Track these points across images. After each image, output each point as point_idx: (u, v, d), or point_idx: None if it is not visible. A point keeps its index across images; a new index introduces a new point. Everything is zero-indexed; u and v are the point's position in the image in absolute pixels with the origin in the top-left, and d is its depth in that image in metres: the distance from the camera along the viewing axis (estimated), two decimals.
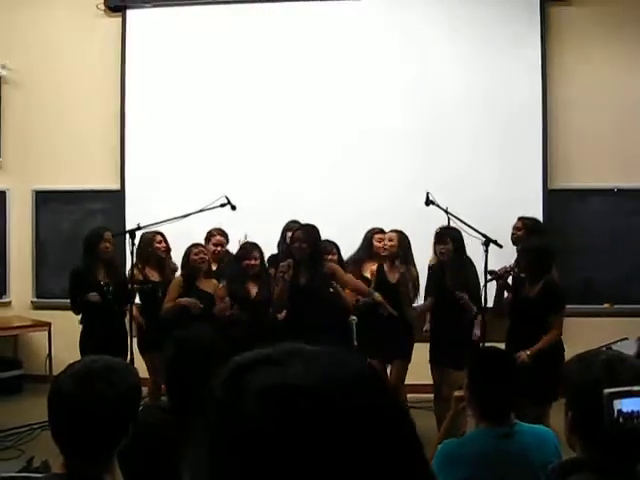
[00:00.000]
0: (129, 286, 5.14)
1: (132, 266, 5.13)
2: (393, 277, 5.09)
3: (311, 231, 4.86)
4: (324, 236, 5.11)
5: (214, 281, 5.21)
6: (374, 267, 5.24)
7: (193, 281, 5.12)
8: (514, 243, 5.17)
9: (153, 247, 5.44)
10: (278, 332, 4.89)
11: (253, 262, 4.95)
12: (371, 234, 5.51)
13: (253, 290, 4.99)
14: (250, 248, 5.03)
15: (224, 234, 5.64)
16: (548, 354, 4.36)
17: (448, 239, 4.87)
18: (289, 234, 5.36)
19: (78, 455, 1.63)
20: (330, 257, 5.12)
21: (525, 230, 5.22)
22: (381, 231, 5.47)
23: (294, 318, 4.80)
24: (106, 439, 1.63)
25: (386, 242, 5.11)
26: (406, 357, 5.06)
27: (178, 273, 5.42)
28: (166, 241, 5.50)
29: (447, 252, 4.86)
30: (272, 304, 4.95)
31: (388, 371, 5.12)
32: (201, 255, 5.14)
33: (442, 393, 4.81)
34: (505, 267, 4.67)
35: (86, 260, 5.17)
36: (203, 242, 5.57)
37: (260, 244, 5.19)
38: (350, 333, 4.87)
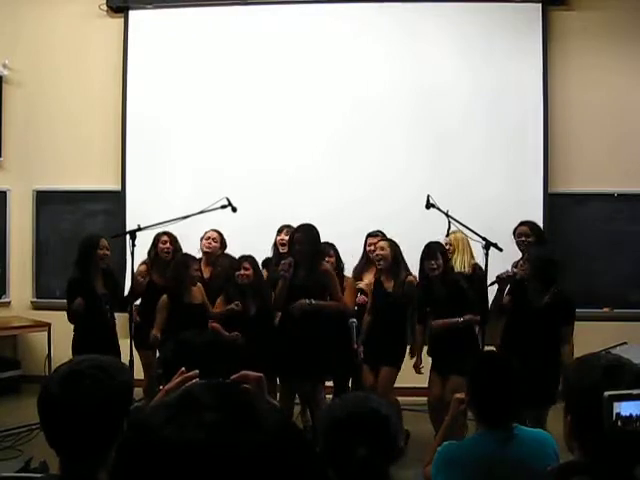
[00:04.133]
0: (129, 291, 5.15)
1: (132, 269, 5.12)
2: (389, 286, 5.10)
3: (309, 231, 4.88)
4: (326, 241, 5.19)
5: (200, 286, 5.15)
6: (371, 279, 5.25)
7: (179, 297, 5.04)
8: (524, 250, 5.03)
9: (157, 248, 5.43)
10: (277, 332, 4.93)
11: (244, 272, 4.96)
12: (365, 239, 5.51)
13: (252, 307, 5.02)
14: (241, 259, 5.06)
15: (218, 233, 5.63)
16: (546, 358, 4.37)
17: (438, 254, 4.87)
18: (279, 237, 5.41)
19: (71, 455, 1.62)
20: (327, 259, 5.13)
21: (534, 235, 5.18)
22: (371, 235, 5.48)
23: (291, 317, 4.82)
24: (97, 438, 1.61)
25: (378, 251, 5.09)
26: (394, 364, 5.03)
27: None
28: (173, 242, 5.45)
29: (438, 267, 4.85)
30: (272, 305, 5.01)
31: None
32: (198, 273, 5.14)
33: (444, 400, 4.78)
34: (507, 271, 4.67)
35: (82, 269, 5.09)
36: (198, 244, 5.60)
37: (261, 248, 5.21)
38: (349, 335, 4.85)
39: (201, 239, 5.63)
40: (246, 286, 4.99)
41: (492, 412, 2.45)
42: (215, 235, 5.60)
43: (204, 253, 5.57)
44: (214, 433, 0.72)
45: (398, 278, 5.06)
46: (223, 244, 5.66)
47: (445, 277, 4.89)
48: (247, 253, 5.12)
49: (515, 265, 4.84)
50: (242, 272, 4.96)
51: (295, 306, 4.79)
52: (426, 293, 4.95)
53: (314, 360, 4.75)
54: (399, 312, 5.08)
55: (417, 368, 5.10)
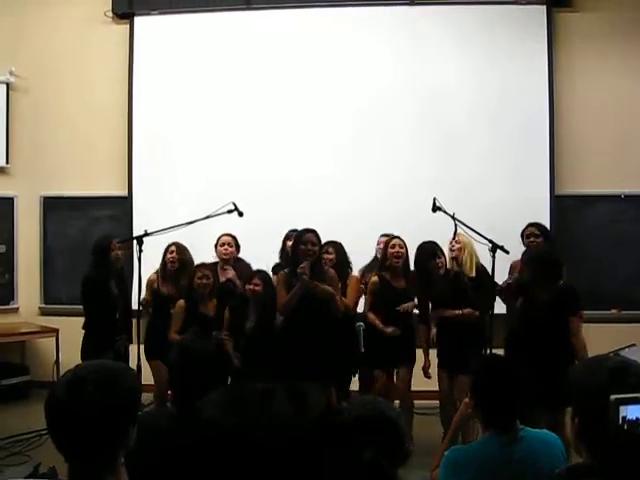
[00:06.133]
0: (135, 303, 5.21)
1: (139, 274, 5.14)
2: (399, 284, 5.12)
3: (317, 234, 4.90)
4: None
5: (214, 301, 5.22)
6: (375, 278, 5.26)
7: (196, 305, 5.12)
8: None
9: (165, 258, 5.46)
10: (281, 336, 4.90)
11: (253, 287, 4.94)
12: (386, 243, 5.37)
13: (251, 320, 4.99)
14: (254, 273, 5.06)
15: (232, 237, 5.64)
16: (557, 357, 4.35)
17: (439, 252, 4.96)
18: (289, 243, 5.38)
19: (79, 460, 1.63)
20: (326, 256, 5.14)
21: (543, 237, 5.20)
22: (394, 236, 5.43)
23: (297, 321, 4.81)
24: (104, 443, 1.62)
25: (397, 249, 5.13)
26: (411, 363, 5.10)
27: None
28: (179, 252, 5.44)
29: (444, 265, 4.95)
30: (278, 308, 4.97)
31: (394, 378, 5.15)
32: (204, 280, 5.13)
33: (453, 398, 4.81)
34: (507, 281, 4.67)
35: (97, 269, 5.20)
36: (213, 249, 5.60)
37: (264, 251, 5.21)
38: (356, 339, 4.84)
39: (215, 245, 5.64)
40: (253, 300, 4.97)
41: (498, 415, 2.45)
42: (229, 240, 5.61)
43: (221, 259, 5.58)
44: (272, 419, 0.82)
45: (409, 276, 5.13)
46: (238, 247, 5.68)
47: (448, 275, 4.93)
48: (260, 268, 5.16)
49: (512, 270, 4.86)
50: (252, 287, 4.93)
51: (302, 268, 4.73)
52: (429, 292, 4.97)
53: (317, 363, 4.72)
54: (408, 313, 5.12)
55: (426, 371, 5.11)
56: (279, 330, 4.89)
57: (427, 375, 5.12)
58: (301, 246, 4.76)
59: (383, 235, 5.55)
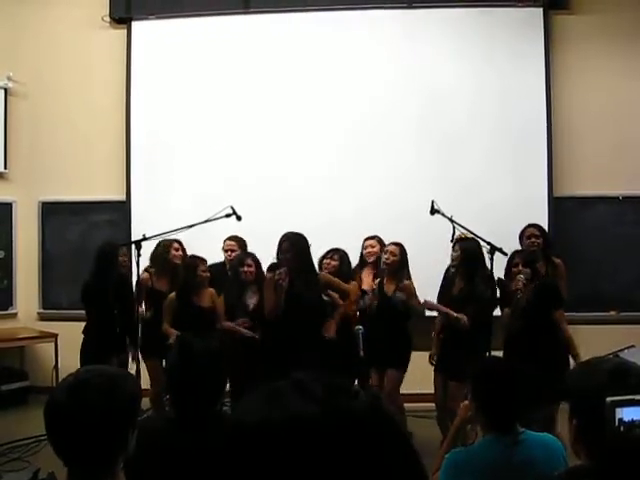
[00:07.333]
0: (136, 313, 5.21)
1: (138, 278, 5.14)
2: (389, 289, 5.10)
3: (296, 241, 4.90)
4: (333, 247, 5.26)
5: (211, 290, 5.21)
6: (369, 279, 5.29)
7: (188, 297, 5.12)
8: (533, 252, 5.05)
9: (169, 255, 5.45)
10: (271, 340, 4.90)
11: (246, 269, 5.02)
12: (364, 242, 5.54)
13: (251, 300, 5.04)
14: (243, 256, 5.14)
15: (237, 239, 5.66)
16: (552, 354, 4.38)
17: (457, 247, 4.88)
18: None
19: (78, 464, 1.63)
20: (330, 262, 5.17)
21: (542, 237, 5.22)
22: (370, 237, 5.52)
23: (286, 325, 4.82)
24: (104, 448, 1.63)
25: (389, 255, 5.12)
26: (400, 367, 5.04)
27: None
28: (184, 250, 5.51)
29: (455, 259, 4.88)
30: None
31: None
32: (206, 273, 5.18)
33: (445, 403, 4.81)
34: (520, 280, 4.65)
35: (100, 276, 5.18)
36: (214, 252, 5.63)
37: (265, 254, 5.22)
38: (355, 342, 4.83)
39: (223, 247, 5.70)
40: (249, 282, 5.07)
41: (498, 418, 2.45)
42: (233, 245, 5.64)
43: (227, 263, 5.62)
44: (320, 406, 0.80)
45: (399, 282, 5.08)
46: (243, 247, 5.68)
47: (462, 272, 4.89)
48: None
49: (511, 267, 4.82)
50: (245, 269, 5.03)
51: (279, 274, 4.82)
52: (443, 285, 4.99)
53: (316, 366, 4.72)
54: (400, 315, 5.07)
55: (431, 358, 5.06)
56: (270, 334, 4.92)
57: (431, 362, 5.04)
58: (282, 255, 4.89)
59: (367, 238, 5.55)
